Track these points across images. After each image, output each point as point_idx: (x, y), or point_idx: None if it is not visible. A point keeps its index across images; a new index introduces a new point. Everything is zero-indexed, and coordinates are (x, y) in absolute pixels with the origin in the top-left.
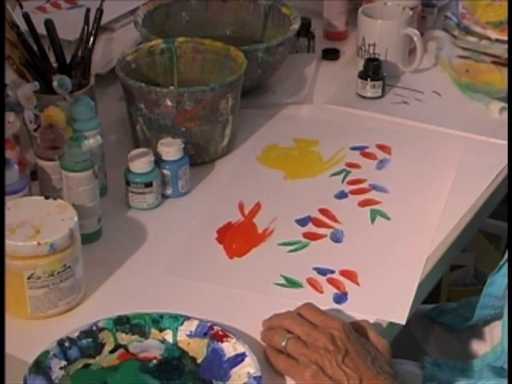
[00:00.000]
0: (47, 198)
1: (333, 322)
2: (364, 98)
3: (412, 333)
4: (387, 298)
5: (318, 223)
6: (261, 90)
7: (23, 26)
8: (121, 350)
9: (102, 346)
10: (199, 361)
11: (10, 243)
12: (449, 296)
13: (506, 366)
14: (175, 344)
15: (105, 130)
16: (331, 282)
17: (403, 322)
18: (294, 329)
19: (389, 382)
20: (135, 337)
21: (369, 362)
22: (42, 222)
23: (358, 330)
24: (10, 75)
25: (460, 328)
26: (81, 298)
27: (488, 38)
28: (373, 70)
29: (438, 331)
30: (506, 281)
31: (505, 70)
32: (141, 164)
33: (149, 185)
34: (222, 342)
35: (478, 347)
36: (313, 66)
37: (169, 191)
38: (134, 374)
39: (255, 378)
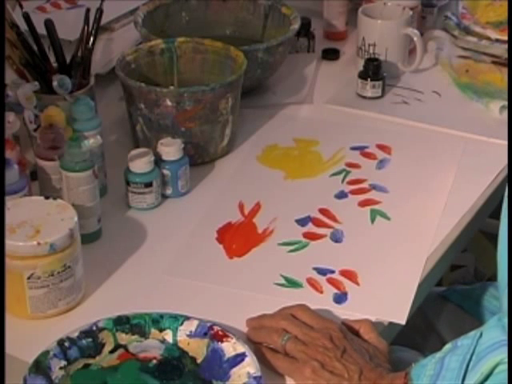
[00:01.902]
0: (47, 198)
1: (329, 323)
2: (364, 98)
3: (423, 310)
4: (387, 298)
5: (318, 223)
6: (261, 90)
7: (23, 26)
8: (121, 350)
9: (102, 346)
10: (199, 361)
11: (10, 243)
12: None
13: None
14: (175, 344)
15: (105, 129)
16: (331, 281)
17: (403, 322)
18: (291, 330)
19: (388, 374)
20: (135, 337)
21: (367, 358)
22: (42, 221)
23: (359, 329)
24: (10, 75)
25: (472, 313)
26: (81, 297)
27: (488, 38)
28: (373, 70)
29: (450, 309)
30: None
31: (505, 70)
32: (141, 164)
33: (149, 185)
34: (221, 342)
35: None
36: (313, 66)
37: (169, 191)
38: (134, 374)
39: (255, 378)
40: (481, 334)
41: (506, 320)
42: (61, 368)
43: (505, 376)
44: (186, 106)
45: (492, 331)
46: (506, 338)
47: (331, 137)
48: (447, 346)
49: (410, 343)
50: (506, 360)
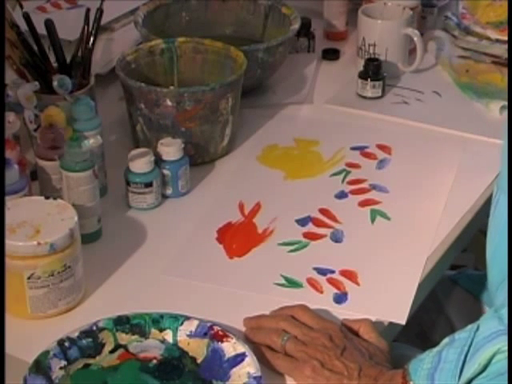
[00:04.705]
0: (47, 197)
1: (329, 323)
2: (364, 98)
3: (434, 291)
4: (387, 298)
5: (318, 223)
6: (261, 90)
7: (23, 26)
8: (121, 350)
9: (102, 346)
10: (199, 361)
11: (10, 243)
12: None
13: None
14: (175, 344)
15: (105, 130)
16: (331, 281)
17: (403, 322)
18: (291, 330)
19: (388, 371)
20: (135, 337)
21: (366, 357)
22: (42, 221)
23: (359, 329)
24: (10, 75)
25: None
26: (81, 297)
27: (488, 38)
28: (373, 70)
29: (460, 293)
30: None
31: (505, 70)
32: (141, 164)
33: (149, 185)
34: (222, 342)
35: None
36: (313, 66)
37: (169, 191)
38: (134, 374)
39: (255, 378)
40: (478, 327)
41: (502, 312)
42: (61, 368)
43: (502, 365)
44: (186, 105)
45: (488, 322)
46: (503, 327)
47: (331, 137)
48: (444, 341)
49: (419, 327)
50: (504, 349)
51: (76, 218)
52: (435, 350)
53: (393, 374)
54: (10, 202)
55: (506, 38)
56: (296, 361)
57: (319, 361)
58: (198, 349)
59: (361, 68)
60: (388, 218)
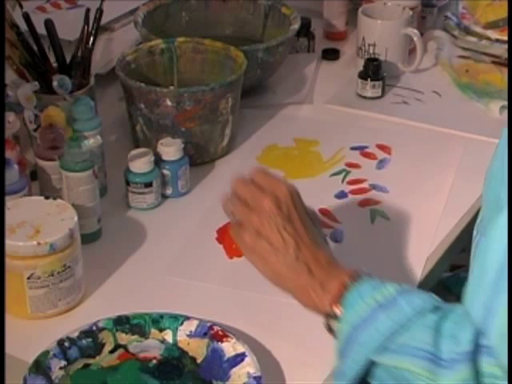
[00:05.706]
0: (47, 198)
1: (281, 185)
2: (364, 98)
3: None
4: None
5: None
6: (261, 90)
7: (23, 26)
8: (121, 350)
9: (102, 346)
10: (199, 361)
11: (10, 243)
12: None
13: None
14: (175, 344)
15: (105, 130)
16: None
17: None
18: (241, 192)
19: (328, 254)
20: (135, 337)
21: (309, 232)
22: (42, 221)
23: None
24: (10, 75)
25: None
26: (81, 297)
27: (488, 38)
28: (373, 70)
29: (454, 300)
30: None
31: (505, 70)
32: (141, 164)
33: (149, 185)
34: (221, 342)
35: None
36: (313, 66)
37: (169, 191)
38: (134, 374)
39: (255, 378)
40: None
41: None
42: (61, 368)
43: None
44: (185, 105)
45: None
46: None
47: (331, 137)
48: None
49: None
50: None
51: (76, 218)
52: (378, 298)
53: (335, 271)
54: (10, 202)
55: (505, 38)
56: (240, 227)
57: (258, 229)
58: (197, 349)
59: (361, 68)
60: (388, 218)
